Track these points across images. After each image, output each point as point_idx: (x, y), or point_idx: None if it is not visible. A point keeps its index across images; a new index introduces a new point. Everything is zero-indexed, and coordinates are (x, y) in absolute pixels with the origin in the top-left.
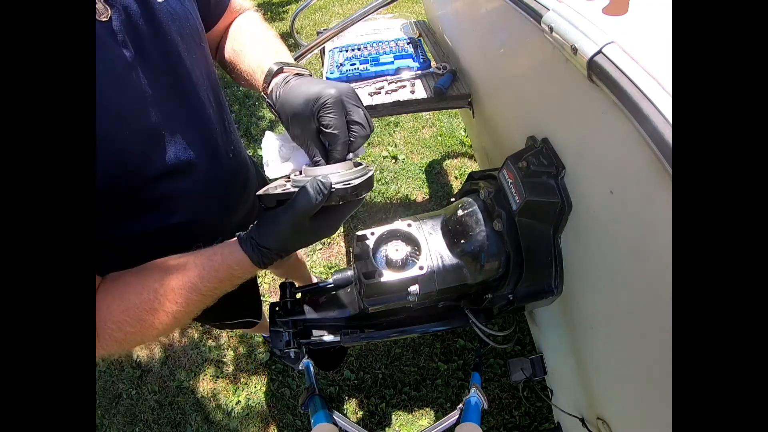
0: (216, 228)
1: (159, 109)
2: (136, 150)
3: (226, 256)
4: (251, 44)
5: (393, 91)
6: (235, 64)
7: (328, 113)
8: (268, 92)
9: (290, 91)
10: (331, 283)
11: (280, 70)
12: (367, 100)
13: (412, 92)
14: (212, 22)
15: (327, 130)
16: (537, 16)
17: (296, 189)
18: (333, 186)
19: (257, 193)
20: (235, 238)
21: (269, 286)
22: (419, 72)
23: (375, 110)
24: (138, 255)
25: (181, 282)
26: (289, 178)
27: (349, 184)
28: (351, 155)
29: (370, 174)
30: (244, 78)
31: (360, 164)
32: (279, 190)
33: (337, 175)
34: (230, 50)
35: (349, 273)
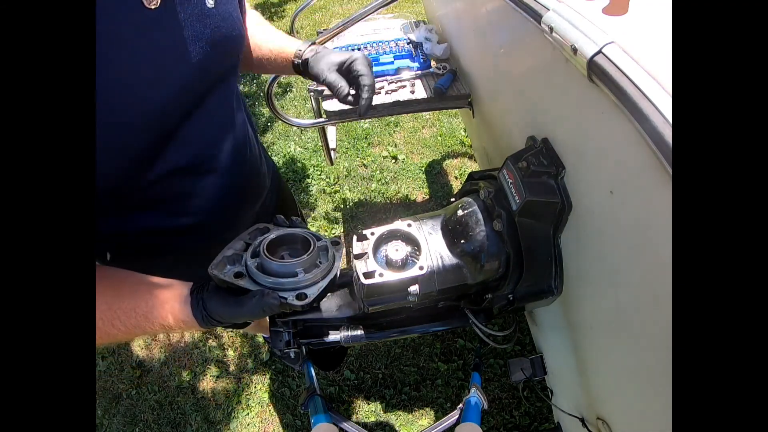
0: (223, 233)
1: (187, 105)
2: (152, 144)
3: (175, 312)
4: (269, 35)
5: (393, 91)
6: (257, 51)
7: (357, 65)
8: (302, 57)
9: (325, 53)
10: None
11: (306, 45)
12: None
13: (412, 92)
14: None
15: (358, 74)
16: (537, 16)
17: (247, 287)
18: (284, 300)
19: (209, 269)
20: (188, 293)
21: None
22: (419, 72)
23: (375, 110)
24: (135, 251)
25: (126, 314)
26: (247, 245)
27: (303, 298)
28: (323, 241)
29: (328, 280)
30: (265, 58)
31: (326, 248)
32: (232, 274)
33: (291, 283)
34: (248, 44)
35: (349, 273)
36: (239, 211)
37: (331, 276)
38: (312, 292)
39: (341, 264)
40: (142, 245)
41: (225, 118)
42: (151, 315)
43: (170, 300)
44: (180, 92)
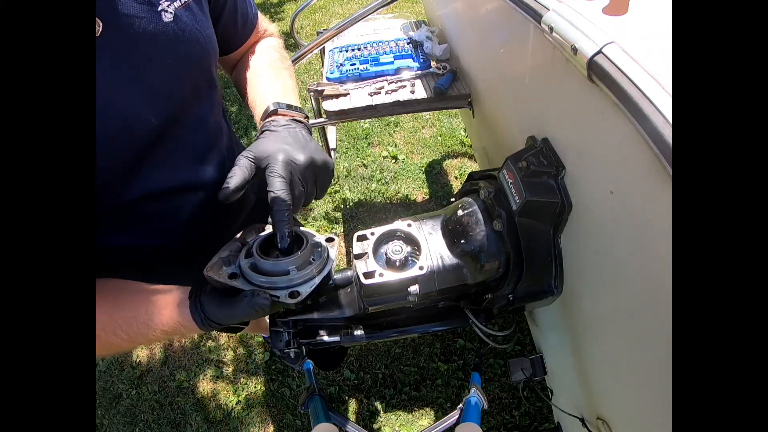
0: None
1: (146, 135)
2: (116, 176)
3: (174, 317)
4: (260, 76)
5: (393, 91)
6: (243, 93)
7: (271, 174)
8: (261, 130)
9: (260, 143)
10: (331, 283)
11: (274, 112)
12: (367, 100)
13: (412, 92)
14: (240, 42)
15: (268, 189)
16: (537, 16)
17: (241, 288)
18: (276, 299)
19: (204, 271)
20: (185, 297)
21: None
22: (419, 72)
23: (375, 110)
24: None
25: (127, 323)
26: (242, 245)
27: (296, 296)
28: (316, 238)
29: (321, 276)
30: (249, 107)
31: (319, 245)
32: (226, 275)
33: (283, 281)
34: (243, 77)
35: (349, 273)
36: (226, 224)
37: (324, 272)
38: (305, 290)
39: (336, 261)
40: (125, 263)
41: (206, 136)
42: (151, 322)
43: (169, 305)
44: (134, 118)
